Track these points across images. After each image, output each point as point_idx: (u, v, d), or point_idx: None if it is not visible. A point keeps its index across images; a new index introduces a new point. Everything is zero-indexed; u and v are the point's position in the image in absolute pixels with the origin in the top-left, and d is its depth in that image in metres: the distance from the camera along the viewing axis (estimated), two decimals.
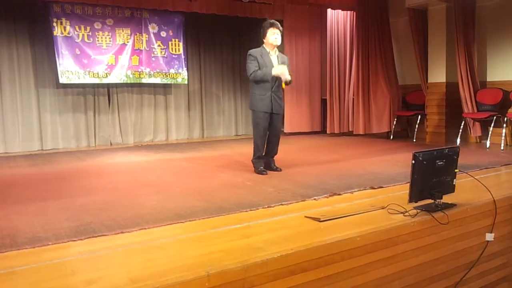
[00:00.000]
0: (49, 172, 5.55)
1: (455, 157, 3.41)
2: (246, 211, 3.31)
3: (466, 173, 3.59)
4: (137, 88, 8.83)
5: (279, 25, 4.96)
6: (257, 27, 9.77)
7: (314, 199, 3.69)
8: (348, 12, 8.88)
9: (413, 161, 3.13)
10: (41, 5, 7.39)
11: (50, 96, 8.03)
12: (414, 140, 7.95)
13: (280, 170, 5.10)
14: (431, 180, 3.24)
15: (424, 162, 3.17)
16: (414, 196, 3.15)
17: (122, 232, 2.85)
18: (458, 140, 7.17)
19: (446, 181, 3.33)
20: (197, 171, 5.39)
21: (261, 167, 5.03)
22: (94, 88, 8.36)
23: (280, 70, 4.84)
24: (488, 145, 6.87)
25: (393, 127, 8.35)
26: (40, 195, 4.09)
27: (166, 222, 3.03)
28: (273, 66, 4.87)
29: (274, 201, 3.61)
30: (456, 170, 3.40)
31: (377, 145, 7.64)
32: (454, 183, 3.37)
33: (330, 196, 3.78)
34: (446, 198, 3.29)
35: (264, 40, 4.96)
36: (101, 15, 7.90)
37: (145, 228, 2.91)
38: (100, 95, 8.50)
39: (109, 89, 8.55)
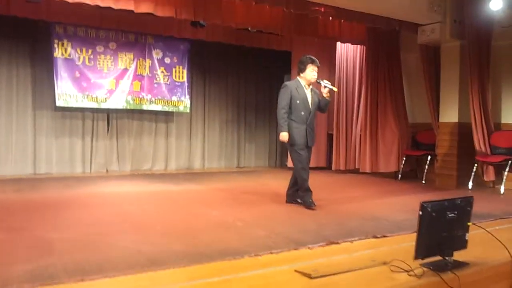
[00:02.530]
0: (29, 199, 5.22)
1: (469, 208, 3.02)
2: (229, 260, 2.92)
3: (480, 226, 3.18)
4: (138, 115, 8.56)
5: (318, 63, 5.05)
6: (264, 58, 9.78)
7: (309, 247, 3.30)
8: (358, 46, 8.63)
9: (421, 212, 2.75)
10: (43, 26, 7.22)
11: (47, 119, 7.78)
12: (423, 182, 7.53)
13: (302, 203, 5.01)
14: (440, 234, 2.85)
15: (434, 214, 2.79)
16: (421, 252, 2.75)
17: (82, 280, 2.48)
18: (470, 184, 6.74)
19: (457, 235, 2.93)
20: (187, 207, 5.03)
21: (311, 200, 4.89)
22: (93, 112, 8.11)
23: (282, 138, 4.89)
24: (502, 191, 6.44)
25: (402, 166, 7.95)
26: (7, 226, 3.74)
27: (134, 270, 2.65)
28: (307, 100, 4.97)
29: (263, 248, 3.22)
30: (469, 224, 3.01)
31: (383, 185, 7.25)
32: (466, 238, 2.97)
33: (326, 245, 3.38)
34: (458, 255, 2.88)
35: (302, 75, 5.00)
36: (104, 38, 7.72)
37: (109, 277, 2.54)
38: (99, 120, 8.24)
39: (108, 114, 8.30)
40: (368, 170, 8.22)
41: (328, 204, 5.18)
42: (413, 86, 8.31)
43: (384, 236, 3.70)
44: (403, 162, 7.94)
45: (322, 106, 5.08)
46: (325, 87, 4.95)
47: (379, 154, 8.21)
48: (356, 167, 8.60)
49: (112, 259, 2.86)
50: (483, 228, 3.17)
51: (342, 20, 7.19)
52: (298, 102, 4.91)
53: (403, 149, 7.98)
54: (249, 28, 7.49)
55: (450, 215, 2.88)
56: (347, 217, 4.52)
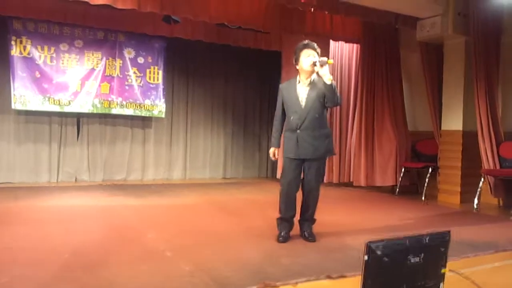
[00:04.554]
0: None
1: (443, 249, 2.17)
2: None
3: (463, 275, 2.31)
4: (112, 119, 7.83)
5: (315, 45, 3.84)
6: (252, 58, 8.91)
7: None
8: (355, 45, 7.77)
9: (366, 257, 1.92)
10: None
11: (9, 123, 7.11)
12: (423, 198, 6.59)
13: (313, 240, 3.83)
14: (398, 287, 2.01)
15: (386, 259, 1.96)
16: None
17: None
18: (476, 202, 5.79)
19: None
20: (127, 228, 4.23)
21: (283, 232, 3.83)
22: (62, 117, 7.42)
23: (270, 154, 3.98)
24: None
25: (400, 180, 7.04)
26: None
27: None
28: (297, 99, 3.82)
29: None
30: (444, 270, 2.16)
31: (376, 202, 6.37)
32: None
33: None
34: None
35: (298, 67, 3.85)
36: (69, 36, 7.02)
37: None
38: (68, 125, 7.55)
39: (79, 118, 7.59)
40: (363, 184, 7.31)
41: (296, 227, 4.33)
42: (415, 89, 7.41)
43: (342, 276, 2.85)
44: (402, 175, 7.02)
45: (327, 95, 3.71)
46: (315, 64, 3.67)
47: (375, 165, 7.31)
48: (351, 179, 7.71)
49: None
50: (468, 279, 2.30)
51: (326, 12, 6.33)
52: (288, 104, 3.89)
53: (401, 161, 7.07)
54: (226, 24, 6.70)
55: (413, 260, 2.04)
56: (312, 246, 3.67)
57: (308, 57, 3.79)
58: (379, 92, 7.28)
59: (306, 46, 3.84)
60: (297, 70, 3.90)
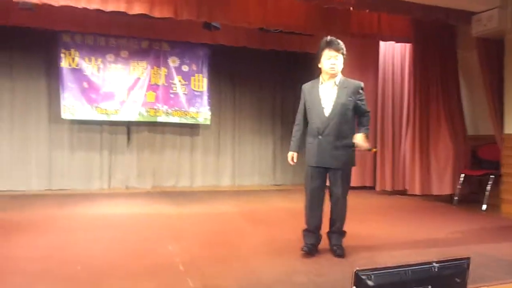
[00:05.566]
0: None
1: (459, 279, 1.83)
2: None
3: None
4: (160, 127, 7.93)
5: (340, 44, 3.56)
6: (300, 62, 8.63)
7: None
8: (407, 44, 7.28)
9: None
10: (49, 35, 6.84)
11: (62, 132, 7.38)
12: (484, 209, 5.98)
13: (341, 255, 3.52)
14: None
15: None
16: None
17: None
18: None
19: None
20: (151, 238, 4.17)
21: (308, 244, 3.58)
22: (112, 125, 7.61)
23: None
24: None
25: (459, 188, 6.46)
26: None
27: None
28: (320, 102, 3.55)
29: None
30: None
31: (429, 212, 5.91)
32: None
33: None
34: None
35: (320, 66, 3.61)
36: (115, 47, 7.20)
37: None
38: (119, 133, 7.72)
39: (129, 127, 7.75)
40: (417, 192, 6.80)
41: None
42: (474, 90, 6.79)
43: None
44: (461, 182, 6.44)
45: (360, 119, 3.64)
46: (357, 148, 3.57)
47: (431, 173, 6.77)
48: (406, 187, 7.21)
49: None
50: None
51: (367, 11, 5.92)
52: (309, 107, 3.61)
53: (460, 167, 6.51)
54: (265, 28, 6.55)
55: None
56: (337, 263, 3.38)
57: (329, 60, 3.52)
58: (434, 93, 6.76)
59: (328, 45, 3.57)
60: (320, 69, 3.64)
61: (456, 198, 6.46)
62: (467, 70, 6.82)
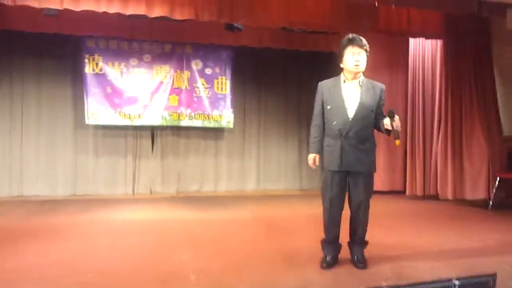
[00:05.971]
0: (14, 226, 4.71)
1: None
2: None
3: None
4: (184, 132, 7.86)
5: (363, 41, 3.42)
6: (326, 62, 8.38)
7: None
8: (439, 40, 6.95)
9: None
10: (74, 41, 6.89)
11: (87, 137, 7.43)
12: None
13: (362, 267, 3.33)
14: None
15: None
16: None
17: None
18: None
19: None
20: (168, 245, 4.08)
21: (328, 257, 3.40)
22: (137, 130, 7.60)
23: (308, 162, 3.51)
24: None
25: (494, 192, 6.10)
26: None
27: None
28: (343, 102, 3.38)
29: None
30: None
31: (461, 218, 5.59)
32: None
33: None
34: None
35: (342, 66, 3.46)
36: (138, 51, 7.17)
37: None
38: (143, 138, 7.69)
39: (153, 131, 7.73)
40: (450, 197, 6.50)
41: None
42: (511, 88, 6.41)
43: None
44: (496, 186, 6.09)
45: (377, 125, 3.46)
46: (385, 126, 3.35)
47: (464, 177, 6.45)
48: (437, 192, 6.88)
49: None
50: None
51: (393, 6, 5.66)
52: (329, 107, 3.41)
53: (495, 170, 6.16)
54: (288, 27, 6.38)
55: None
56: (357, 275, 3.17)
57: (353, 56, 3.35)
58: (467, 93, 6.45)
59: (351, 42, 3.41)
60: (341, 68, 3.47)
61: (491, 203, 6.12)
62: (503, 67, 6.47)
